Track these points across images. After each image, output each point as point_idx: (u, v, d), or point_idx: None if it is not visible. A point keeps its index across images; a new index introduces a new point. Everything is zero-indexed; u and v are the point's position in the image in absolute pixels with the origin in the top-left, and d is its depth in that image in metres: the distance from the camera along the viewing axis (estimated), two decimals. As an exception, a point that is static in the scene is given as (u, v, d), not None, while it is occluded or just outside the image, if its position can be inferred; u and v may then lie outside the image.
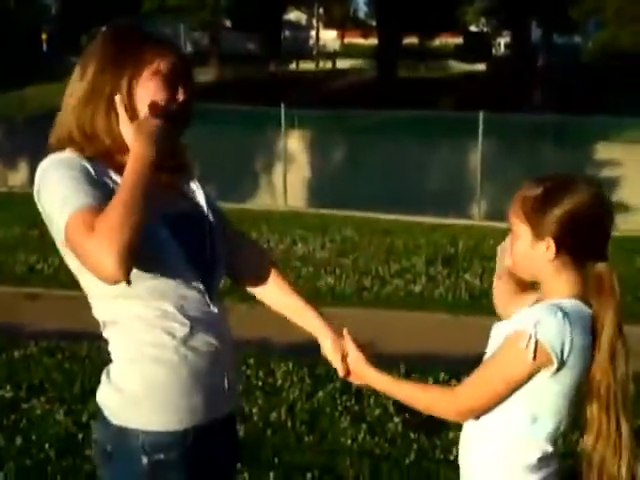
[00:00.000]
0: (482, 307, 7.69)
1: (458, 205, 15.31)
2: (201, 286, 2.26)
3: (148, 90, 2.20)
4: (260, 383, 5.66)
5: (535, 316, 2.12)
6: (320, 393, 5.43)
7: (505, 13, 36.52)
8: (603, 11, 32.41)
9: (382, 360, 6.57)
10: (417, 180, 16.86)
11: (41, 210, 2.19)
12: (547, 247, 2.18)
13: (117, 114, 2.19)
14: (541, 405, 2.17)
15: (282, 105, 15.90)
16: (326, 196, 16.58)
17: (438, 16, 37.90)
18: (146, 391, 2.21)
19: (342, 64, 49.38)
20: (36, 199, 2.19)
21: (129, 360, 2.23)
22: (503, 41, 47.67)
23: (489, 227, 13.37)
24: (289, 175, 16.69)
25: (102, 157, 2.21)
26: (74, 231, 2.04)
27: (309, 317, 2.50)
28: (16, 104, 24.12)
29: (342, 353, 2.43)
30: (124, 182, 2.07)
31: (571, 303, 2.17)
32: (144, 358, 2.21)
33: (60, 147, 2.23)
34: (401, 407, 5.19)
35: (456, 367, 5.57)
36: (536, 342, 2.08)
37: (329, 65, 50.07)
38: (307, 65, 49.42)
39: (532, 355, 2.09)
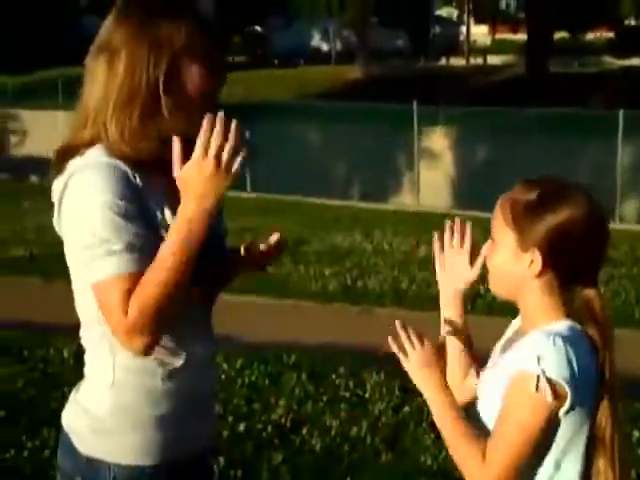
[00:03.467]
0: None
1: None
2: (203, 317, 2.13)
3: (195, 79, 1.97)
4: (347, 394, 5.46)
5: (534, 351, 1.84)
6: (407, 407, 5.19)
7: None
8: None
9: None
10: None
11: (63, 218, 1.97)
12: (532, 260, 1.90)
13: (167, 110, 1.95)
14: (561, 447, 1.90)
15: (414, 102, 15.63)
16: (464, 196, 16.20)
17: (590, 9, 36.70)
18: (121, 420, 2.05)
19: (493, 60, 48.55)
20: (60, 203, 1.96)
21: (107, 384, 2.04)
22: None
23: (632, 230, 12.78)
24: (426, 174, 16.39)
25: (141, 163, 1.97)
26: (107, 298, 1.90)
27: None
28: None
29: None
30: (168, 251, 1.87)
31: (565, 325, 1.90)
32: (124, 384, 2.04)
33: (90, 144, 1.97)
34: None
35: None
36: (548, 380, 1.81)
37: (480, 61, 49.31)
38: (457, 61, 48.81)
39: (551, 396, 1.81)
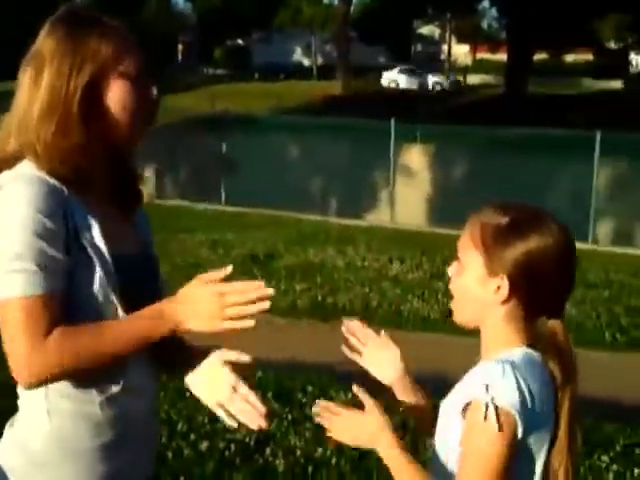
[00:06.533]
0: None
1: (574, 228, 14.63)
2: None
3: (118, 94, 1.92)
4: (313, 414, 5.34)
5: (482, 380, 1.75)
6: (373, 428, 5.08)
7: (640, 29, 35.29)
8: None
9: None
10: (534, 200, 16.27)
11: None
12: (499, 286, 1.81)
13: (80, 122, 1.89)
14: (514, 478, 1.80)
15: (392, 120, 15.64)
16: (440, 214, 16.19)
17: (571, 31, 36.91)
18: (58, 451, 1.92)
19: (473, 79, 48.81)
20: None
21: (42, 413, 1.92)
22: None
23: (606, 252, 12.75)
24: (402, 191, 16.36)
25: (69, 178, 1.89)
26: (11, 317, 1.80)
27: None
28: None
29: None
30: (122, 331, 1.85)
31: (520, 353, 1.81)
32: (60, 412, 1.92)
33: (18, 157, 1.91)
34: (457, 449, 4.82)
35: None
36: (496, 408, 1.72)
37: (460, 79, 49.56)
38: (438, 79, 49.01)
39: (497, 426, 1.71)
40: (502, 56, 44.28)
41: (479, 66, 53.73)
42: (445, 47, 55.48)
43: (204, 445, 4.81)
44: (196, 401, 5.58)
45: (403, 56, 48.13)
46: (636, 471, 4.78)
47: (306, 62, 50.94)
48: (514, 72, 36.07)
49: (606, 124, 17.34)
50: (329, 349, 6.98)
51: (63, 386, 1.90)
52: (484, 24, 57.00)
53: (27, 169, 1.88)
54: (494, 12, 47.46)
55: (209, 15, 50.75)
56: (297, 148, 18.54)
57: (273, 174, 16.70)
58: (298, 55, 52.33)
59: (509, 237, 1.81)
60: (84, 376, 1.90)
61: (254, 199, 15.58)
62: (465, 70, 51.31)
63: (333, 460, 4.72)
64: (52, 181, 1.86)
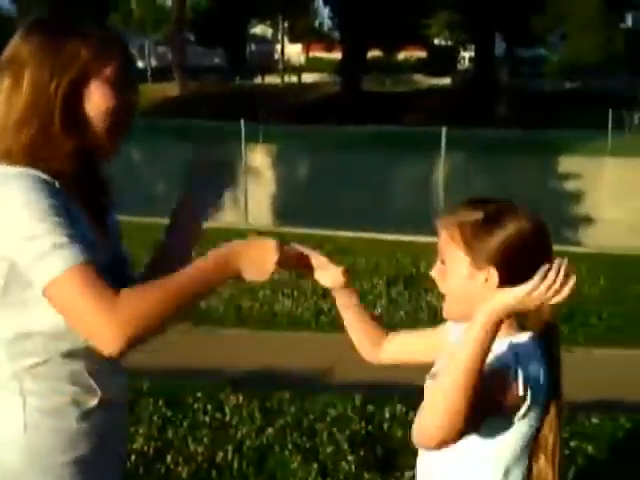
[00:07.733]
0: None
1: (421, 222, 15.09)
2: None
3: (98, 99, 1.89)
4: (207, 419, 5.36)
5: (512, 349, 1.87)
6: (270, 430, 5.15)
7: (469, 26, 36.52)
8: (565, 22, 32.51)
9: (339, 387, 6.25)
10: (380, 197, 16.67)
11: None
12: (487, 278, 1.92)
13: (62, 129, 1.86)
14: (512, 453, 1.92)
15: (242, 120, 15.67)
16: (289, 213, 16.33)
17: (402, 29, 37.84)
18: (34, 469, 1.90)
19: (308, 78, 49.33)
20: None
21: (19, 430, 1.89)
22: (467, 55, 47.72)
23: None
24: (252, 191, 16.40)
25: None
26: (73, 293, 1.73)
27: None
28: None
29: None
30: (197, 271, 1.83)
31: (527, 337, 1.93)
32: (38, 428, 1.90)
33: None
34: (355, 445, 4.94)
35: (415, 395, 5.31)
36: (524, 378, 1.81)
37: (295, 79, 50.03)
38: (273, 79, 49.33)
39: (522, 392, 1.80)
40: (336, 55, 44.97)
41: (313, 65, 54.33)
42: (278, 47, 55.82)
43: (103, 458, 4.76)
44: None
45: (238, 57, 48.23)
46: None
47: (140, 64, 50.34)
48: (348, 71, 36.69)
49: (440, 119, 17.95)
50: (203, 354, 6.99)
51: (41, 402, 1.89)
52: (317, 24, 57.75)
53: (5, 168, 1.85)
54: (327, 11, 48.17)
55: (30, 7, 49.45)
56: (147, 151, 18.33)
57: (125, 179, 16.44)
58: (131, 58, 51.74)
59: (488, 229, 1.92)
60: (61, 389, 1.90)
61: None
62: (299, 69, 51.81)
63: (235, 464, 4.76)
64: (38, 172, 1.84)
